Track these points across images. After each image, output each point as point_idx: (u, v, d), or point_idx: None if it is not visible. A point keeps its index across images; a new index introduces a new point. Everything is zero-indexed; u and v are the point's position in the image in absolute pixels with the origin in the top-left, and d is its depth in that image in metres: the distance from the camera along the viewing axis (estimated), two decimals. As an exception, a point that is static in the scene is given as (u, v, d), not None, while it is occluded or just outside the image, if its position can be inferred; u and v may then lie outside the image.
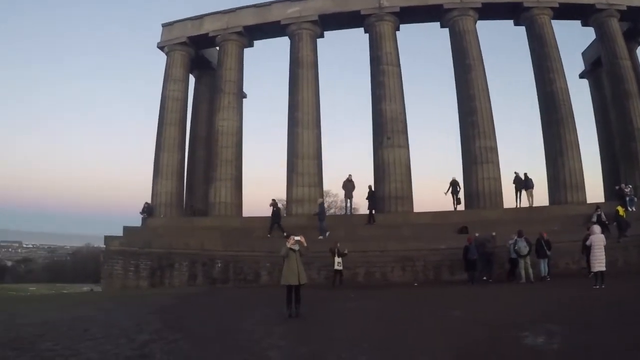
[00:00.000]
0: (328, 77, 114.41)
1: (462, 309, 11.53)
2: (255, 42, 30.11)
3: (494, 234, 18.85)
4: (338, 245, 18.12)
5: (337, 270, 17.79)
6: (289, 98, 26.43)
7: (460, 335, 8.45)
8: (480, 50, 25.34)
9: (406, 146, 24.17)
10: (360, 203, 30.69)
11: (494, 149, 23.84)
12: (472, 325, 9.42)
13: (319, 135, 25.85)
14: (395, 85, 24.82)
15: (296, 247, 10.85)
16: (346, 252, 18.09)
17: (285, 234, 14.13)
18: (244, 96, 29.90)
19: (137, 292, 21.37)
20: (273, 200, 23.42)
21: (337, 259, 17.79)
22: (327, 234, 20.93)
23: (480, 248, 18.19)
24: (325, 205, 28.07)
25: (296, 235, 11.19)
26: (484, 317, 10.27)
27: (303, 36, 26.86)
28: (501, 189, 23.65)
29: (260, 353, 7.40)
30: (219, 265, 21.60)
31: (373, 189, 22.93)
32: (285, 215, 24.59)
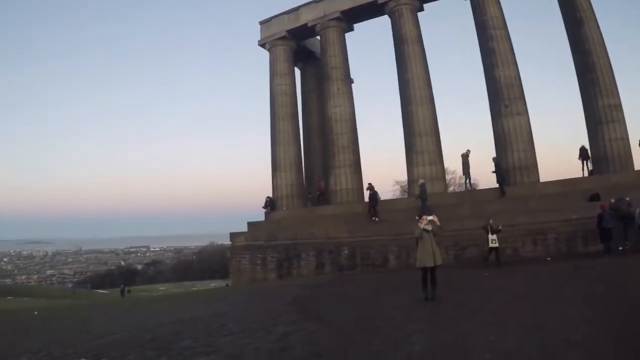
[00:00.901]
0: (434, 51, 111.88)
1: (605, 284, 11.05)
2: (355, 26, 30.37)
3: (628, 199, 17.77)
4: (491, 221, 17.58)
5: (491, 248, 17.23)
6: (398, 77, 26.46)
7: (610, 313, 8.06)
8: (590, 1, 23.93)
9: (525, 113, 23.34)
10: (480, 178, 30.17)
11: (618, 107, 22.60)
12: (621, 301, 9.01)
13: (433, 111, 25.64)
14: (506, 49, 24.02)
15: (429, 228, 10.69)
16: (500, 228, 17.41)
17: (417, 217, 13.89)
18: (352, 81, 30.15)
19: (266, 284, 22.15)
20: (369, 184, 23.94)
21: (492, 236, 17.20)
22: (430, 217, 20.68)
23: (615, 215, 17.26)
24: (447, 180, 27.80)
25: (429, 215, 11.09)
26: (632, 292, 9.70)
27: (403, 12, 26.62)
28: (630, 150, 22.35)
29: (405, 340, 7.15)
30: (346, 252, 22.16)
31: (495, 161, 22.40)
32: (407, 196, 24.63)
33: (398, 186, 46.60)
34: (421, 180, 23.11)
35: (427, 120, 25.04)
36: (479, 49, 25.00)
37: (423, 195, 21.61)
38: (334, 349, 7.10)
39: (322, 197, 28.53)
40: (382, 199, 25.93)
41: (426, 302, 10.48)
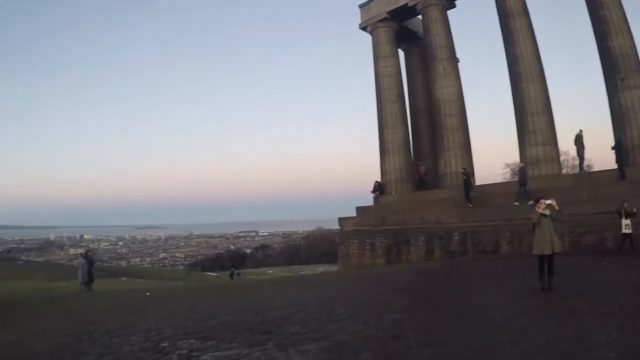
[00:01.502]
0: (541, 23, 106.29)
1: None
2: (457, 2, 29.76)
3: None
4: (625, 205, 16.26)
5: (625, 234, 16.08)
6: (506, 53, 25.73)
7: None
8: None
9: (645, 85, 21.90)
10: (593, 160, 28.75)
11: None
12: None
13: (544, 87, 24.67)
14: (619, 16, 22.52)
15: (547, 212, 10.22)
16: (635, 210, 16.13)
17: (531, 201, 13.24)
18: (458, 60, 29.62)
19: (375, 270, 22.20)
20: (463, 169, 23.86)
21: (625, 221, 16.05)
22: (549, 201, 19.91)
23: None
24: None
25: (547, 199, 10.50)
26: None
27: (506, -17, 25.66)
28: None
29: (521, 333, 6.87)
30: (457, 237, 22.00)
31: (617, 138, 21.25)
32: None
33: (508, 169, 45.33)
34: (521, 164, 22.87)
35: (539, 98, 24.16)
36: (589, 18, 23.76)
37: (523, 180, 21.22)
38: (445, 339, 6.85)
39: (422, 181, 28.48)
40: (492, 182, 25.46)
41: (542, 292, 10.10)
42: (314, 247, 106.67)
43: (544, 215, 10.26)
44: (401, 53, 33.21)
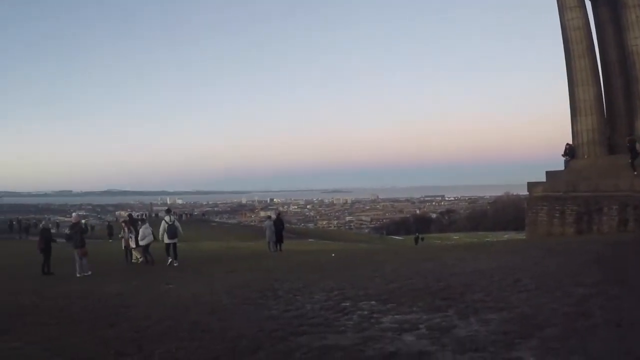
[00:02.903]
0: None
1: None
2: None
3: None
4: None
5: None
6: None
7: None
8: None
9: None
10: None
11: None
12: None
13: None
14: None
15: None
16: None
17: None
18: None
19: (563, 239, 21.17)
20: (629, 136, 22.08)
21: None
22: None
23: None
24: None
25: None
26: None
27: None
28: None
29: None
30: (654, 207, 20.15)
31: None
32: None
33: None
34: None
35: None
36: None
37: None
38: (636, 320, 6.20)
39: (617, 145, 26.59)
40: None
41: None
42: (501, 214, 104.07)
43: None
44: (588, 3, 30.70)
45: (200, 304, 9.85)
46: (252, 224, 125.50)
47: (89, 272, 16.32)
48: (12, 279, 16.02)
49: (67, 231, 29.93)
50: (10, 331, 8.01)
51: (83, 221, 18.97)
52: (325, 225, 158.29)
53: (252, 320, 7.80)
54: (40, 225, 24.15)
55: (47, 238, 17.22)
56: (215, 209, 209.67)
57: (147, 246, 19.55)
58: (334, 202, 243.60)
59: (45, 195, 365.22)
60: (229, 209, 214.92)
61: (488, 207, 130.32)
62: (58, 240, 20.82)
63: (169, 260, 18.67)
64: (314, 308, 8.35)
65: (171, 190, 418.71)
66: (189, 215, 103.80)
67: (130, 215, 24.28)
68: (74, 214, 28.05)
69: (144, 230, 19.77)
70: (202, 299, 10.37)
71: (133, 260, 20.22)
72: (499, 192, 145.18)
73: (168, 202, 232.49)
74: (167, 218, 19.51)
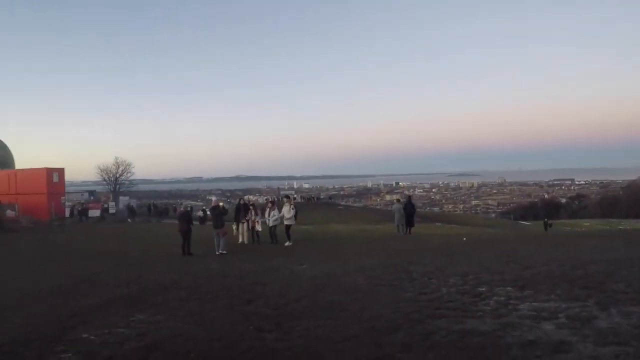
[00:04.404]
0: None
1: None
2: None
3: None
4: None
5: None
6: None
7: None
8: None
9: None
10: None
11: None
12: None
13: None
14: None
15: None
16: None
17: None
18: None
19: None
20: None
21: None
22: None
23: None
24: None
25: None
26: None
27: None
28: None
29: None
30: None
31: None
32: None
33: None
34: None
35: None
36: None
37: None
38: None
39: None
40: None
41: None
42: (635, 199, 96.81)
43: None
44: None
45: (334, 284, 10.03)
46: (378, 207, 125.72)
47: (225, 251, 17.12)
48: (153, 258, 16.99)
49: (207, 212, 31.59)
50: (154, 306, 8.63)
51: (221, 204, 19.91)
52: (451, 209, 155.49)
53: (388, 301, 7.89)
54: (181, 208, 25.59)
55: (187, 221, 18.05)
56: (341, 192, 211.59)
57: (274, 227, 20.41)
58: (460, 185, 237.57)
59: (178, 182, 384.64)
60: (354, 192, 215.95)
61: (621, 192, 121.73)
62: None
63: (287, 242, 19.61)
64: (449, 292, 8.33)
65: (298, 175, 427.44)
66: (316, 199, 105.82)
67: (241, 200, 24.94)
68: (214, 198, 29.68)
69: (274, 212, 20.66)
70: (336, 279, 10.55)
71: (241, 241, 20.98)
72: (632, 176, 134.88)
73: (295, 186, 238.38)
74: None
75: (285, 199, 22.21)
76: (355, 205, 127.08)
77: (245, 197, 29.79)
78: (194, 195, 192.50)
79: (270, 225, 20.46)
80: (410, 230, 24.57)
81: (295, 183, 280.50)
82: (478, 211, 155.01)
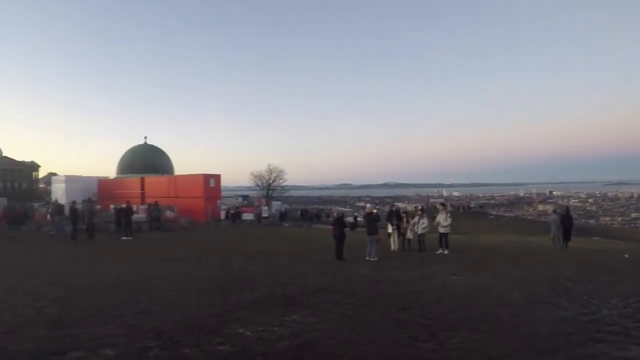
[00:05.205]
0: None
1: None
2: None
3: None
4: None
5: None
6: None
7: None
8: None
9: None
10: None
11: None
12: None
13: None
14: None
15: None
16: None
17: None
18: None
19: None
20: None
21: None
22: None
23: None
24: None
25: None
26: None
27: None
28: None
29: None
30: None
31: None
32: None
33: None
34: None
35: None
36: None
37: None
38: None
39: None
40: None
41: None
42: None
43: None
44: None
45: (489, 295, 9.90)
46: (530, 217, 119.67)
47: (376, 258, 17.15)
48: (306, 261, 17.31)
49: (358, 218, 32.15)
50: (308, 307, 8.86)
51: (374, 211, 20.19)
52: (608, 222, 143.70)
53: (546, 319, 7.71)
54: (334, 214, 26.26)
55: (341, 226, 18.13)
56: (492, 201, 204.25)
57: (423, 235, 20.46)
58: (618, 195, 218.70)
59: (327, 188, 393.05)
60: (505, 201, 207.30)
61: None
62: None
63: (439, 250, 19.45)
64: (611, 314, 7.95)
65: (447, 183, 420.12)
66: (466, 208, 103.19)
67: (393, 207, 24.93)
68: (368, 205, 30.23)
69: (423, 220, 20.73)
70: (490, 291, 10.41)
71: (394, 248, 20.90)
72: None
73: (444, 194, 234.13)
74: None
75: (440, 207, 21.88)
76: (506, 215, 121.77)
77: (395, 205, 29.82)
78: (343, 201, 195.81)
79: (420, 232, 20.50)
80: (567, 244, 23.31)
81: (444, 191, 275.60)
82: (638, 225, 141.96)
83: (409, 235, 20.93)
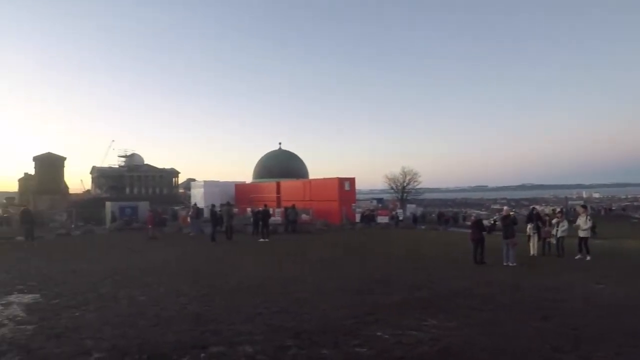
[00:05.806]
0: None
1: None
2: None
3: None
4: None
5: None
6: None
7: None
8: None
9: None
10: None
11: None
12: None
13: None
14: None
15: None
16: None
17: None
18: None
19: None
20: None
21: None
22: None
23: None
24: None
25: None
26: None
27: None
28: None
29: None
30: None
31: None
32: None
33: None
34: None
35: None
36: None
37: None
38: None
39: None
40: None
41: None
42: None
43: None
44: None
45: (635, 307, 9.33)
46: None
47: (515, 263, 16.52)
48: (444, 264, 17.06)
49: (496, 222, 30.98)
50: (446, 312, 8.75)
51: (511, 213, 19.41)
52: None
53: None
54: (472, 217, 25.54)
55: (480, 229, 17.73)
56: (635, 203, 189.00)
57: (561, 239, 19.44)
58: None
59: (463, 190, 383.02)
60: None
61: None
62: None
63: (578, 255, 18.36)
64: None
65: (587, 184, 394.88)
66: (607, 210, 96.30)
67: (533, 209, 23.68)
68: (505, 207, 28.99)
69: (563, 223, 19.74)
70: (636, 302, 9.82)
71: (533, 253, 19.91)
72: None
73: (584, 195, 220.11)
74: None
75: (580, 209, 20.64)
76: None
77: (536, 207, 28.41)
78: (478, 203, 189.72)
79: (559, 236, 19.48)
80: None
81: (584, 192, 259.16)
82: None
83: (552, 239, 19.93)
